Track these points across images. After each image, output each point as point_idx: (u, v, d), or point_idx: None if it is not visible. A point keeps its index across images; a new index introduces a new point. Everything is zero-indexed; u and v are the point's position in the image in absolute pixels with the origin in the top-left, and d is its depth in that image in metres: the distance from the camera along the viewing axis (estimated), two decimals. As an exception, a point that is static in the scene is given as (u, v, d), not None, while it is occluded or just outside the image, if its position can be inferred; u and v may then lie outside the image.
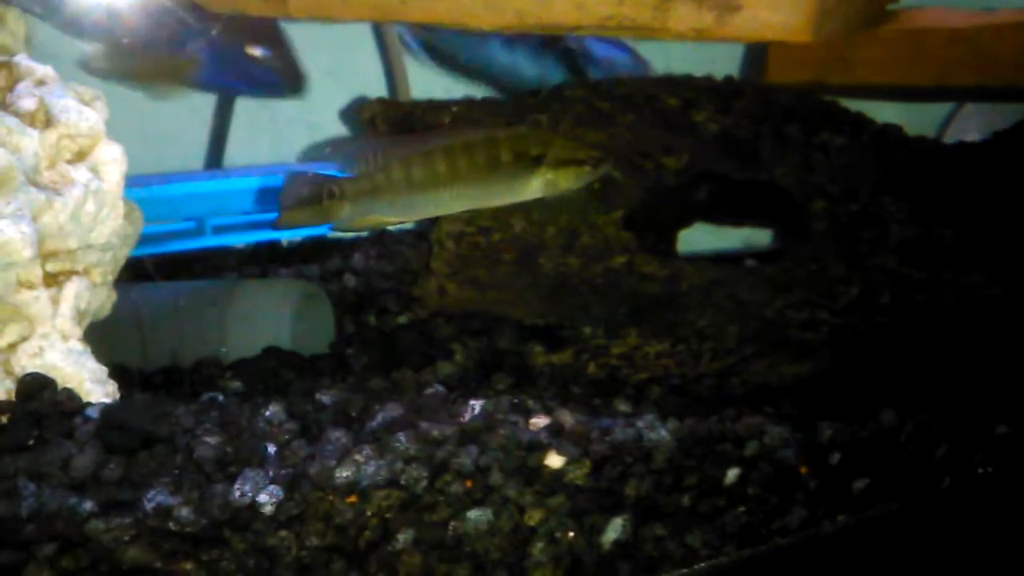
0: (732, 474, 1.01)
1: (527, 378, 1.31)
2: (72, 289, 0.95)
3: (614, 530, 0.96)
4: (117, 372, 1.04)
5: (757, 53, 1.35)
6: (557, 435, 0.93)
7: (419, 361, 1.29)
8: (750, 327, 1.41)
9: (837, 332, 1.44)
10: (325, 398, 0.99)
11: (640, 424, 0.96)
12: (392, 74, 1.59)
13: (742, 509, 1.02)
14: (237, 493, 0.80)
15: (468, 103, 1.36)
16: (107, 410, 0.90)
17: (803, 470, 1.06)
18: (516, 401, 1.03)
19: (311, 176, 1.07)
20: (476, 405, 0.96)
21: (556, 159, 1.06)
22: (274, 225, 1.11)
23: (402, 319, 1.42)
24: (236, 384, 1.15)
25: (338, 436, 0.86)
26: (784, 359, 1.45)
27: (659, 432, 0.96)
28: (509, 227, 1.33)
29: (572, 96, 1.39)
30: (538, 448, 0.90)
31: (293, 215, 1.06)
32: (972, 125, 1.82)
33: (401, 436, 0.85)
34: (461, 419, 0.94)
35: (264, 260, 1.62)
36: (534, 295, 1.40)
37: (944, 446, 1.19)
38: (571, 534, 0.93)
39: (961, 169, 1.45)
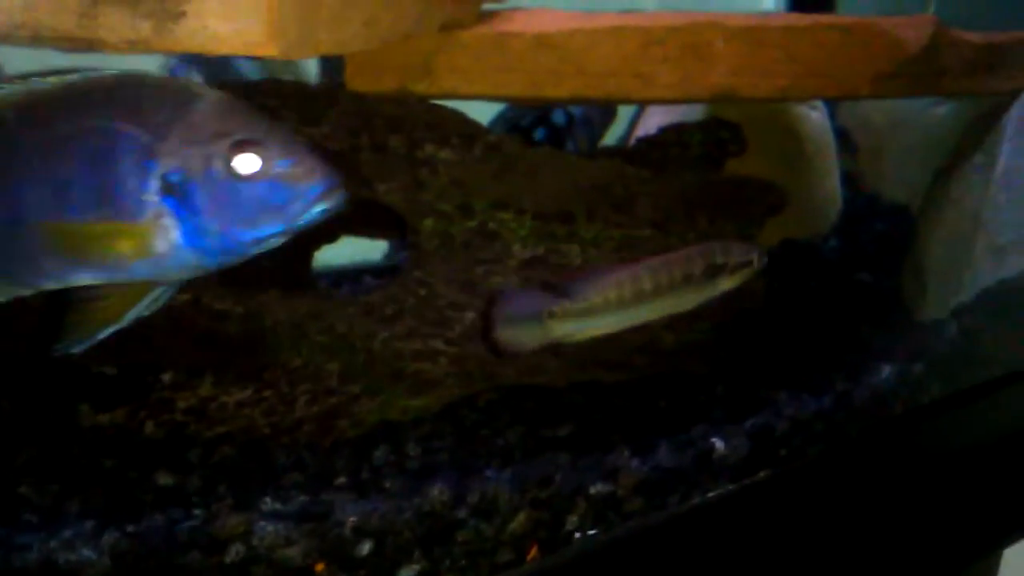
0: (208, 586, 0.84)
1: (62, 446, 1.10)
2: None
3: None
4: None
5: (337, 59, 1.17)
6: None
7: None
8: (356, 362, 1.25)
9: (459, 361, 1.30)
10: None
11: (57, 543, 0.77)
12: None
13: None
14: None
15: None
16: None
17: (319, 568, 0.90)
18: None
19: (530, 295, 1.14)
20: None
21: (734, 265, 1.16)
22: (489, 343, 1.12)
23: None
24: None
25: None
26: (403, 393, 1.30)
27: (85, 551, 0.77)
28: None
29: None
30: None
31: (512, 333, 1.12)
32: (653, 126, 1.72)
33: None
34: None
35: None
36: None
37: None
38: None
39: (589, 178, 1.33)
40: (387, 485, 1.06)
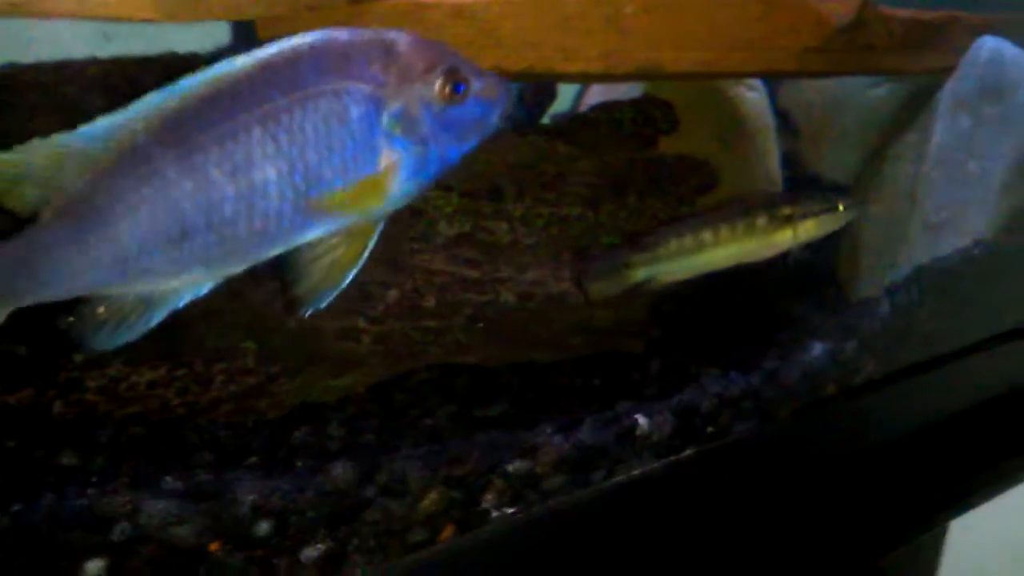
0: (94, 567, 0.81)
1: (-36, 427, 1.06)
2: None
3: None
4: None
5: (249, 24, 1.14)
6: None
7: None
8: (274, 342, 1.23)
9: (383, 340, 1.28)
10: None
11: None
12: None
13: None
14: None
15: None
16: None
17: (214, 547, 0.87)
18: None
19: (614, 251, 1.29)
20: None
21: (804, 213, 1.22)
22: (582, 292, 1.29)
23: None
24: None
25: None
26: (325, 373, 1.27)
27: (-42, 532, 0.74)
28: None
29: (32, 81, 1.13)
30: None
31: (599, 286, 1.28)
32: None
33: None
34: None
35: None
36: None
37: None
38: None
39: (518, 156, 1.31)
40: (298, 465, 1.03)
